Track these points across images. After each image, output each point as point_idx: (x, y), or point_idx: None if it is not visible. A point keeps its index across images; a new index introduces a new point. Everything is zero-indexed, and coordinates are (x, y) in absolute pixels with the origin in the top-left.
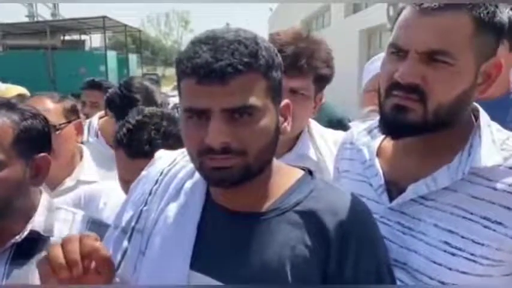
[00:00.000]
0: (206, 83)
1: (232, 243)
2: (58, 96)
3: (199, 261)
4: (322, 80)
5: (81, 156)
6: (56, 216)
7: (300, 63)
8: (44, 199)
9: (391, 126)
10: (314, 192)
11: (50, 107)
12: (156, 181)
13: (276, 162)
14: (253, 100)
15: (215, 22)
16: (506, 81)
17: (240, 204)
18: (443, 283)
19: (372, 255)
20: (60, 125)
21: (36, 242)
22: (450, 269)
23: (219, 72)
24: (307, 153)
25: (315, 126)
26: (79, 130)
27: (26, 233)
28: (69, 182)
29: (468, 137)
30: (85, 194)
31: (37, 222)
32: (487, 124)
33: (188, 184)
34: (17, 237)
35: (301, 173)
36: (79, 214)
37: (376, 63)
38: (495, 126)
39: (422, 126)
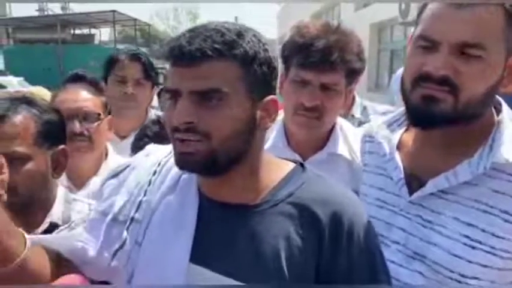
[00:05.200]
0: (178, 65)
1: (228, 236)
2: (93, 89)
3: (196, 253)
4: (353, 74)
5: (106, 154)
6: (73, 207)
7: (333, 58)
8: (61, 191)
9: (421, 117)
10: (305, 183)
11: (89, 97)
12: (155, 172)
13: (265, 156)
14: (222, 86)
15: (223, 16)
16: None
17: (231, 197)
18: (463, 276)
19: (363, 242)
20: (99, 115)
21: None
22: (470, 262)
23: (187, 55)
24: (340, 152)
25: (347, 125)
26: (110, 126)
27: (46, 225)
28: (95, 181)
29: (490, 131)
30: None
31: (55, 214)
32: (509, 118)
33: (184, 177)
34: (39, 229)
35: (292, 165)
36: (94, 205)
37: None
38: None
39: (452, 117)
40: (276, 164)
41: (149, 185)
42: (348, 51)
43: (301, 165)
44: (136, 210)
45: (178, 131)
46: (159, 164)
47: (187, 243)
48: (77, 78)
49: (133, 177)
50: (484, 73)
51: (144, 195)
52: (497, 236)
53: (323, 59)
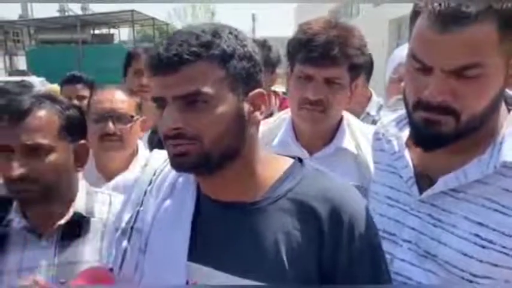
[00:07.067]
0: (159, 73)
1: (228, 233)
2: (127, 90)
3: (197, 252)
4: (356, 68)
5: (137, 151)
6: (95, 198)
7: (333, 53)
8: (83, 184)
9: (424, 139)
10: (305, 179)
11: (124, 98)
12: (150, 181)
13: (262, 152)
14: (204, 87)
15: (241, 14)
16: None
17: (229, 195)
18: (474, 275)
19: (365, 237)
20: (132, 117)
21: (79, 223)
22: (481, 261)
23: (165, 62)
24: (346, 146)
25: (354, 120)
26: (143, 127)
27: (70, 215)
28: (125, 175)
29: (500, 128)
30: (124, 181)
31: (79, 205)
32: None
33: (181, 180)
34: (63, 219)
35: (290, 161)
36: (115, 196)
37: (401, 53)
38: None
39: (455, 136)
40: (274, 161)
41: (145, 194)
42: (349, 45)
43: (300, 160)
44: (135, 221)
45: (169, 138)
46: (155, 173)
47: (184, 242)
48: (73, 79)
49: (136, 190)
50: (485, 90)
51: (141, 205)
52: (509, 235)
53: (324, 54)
